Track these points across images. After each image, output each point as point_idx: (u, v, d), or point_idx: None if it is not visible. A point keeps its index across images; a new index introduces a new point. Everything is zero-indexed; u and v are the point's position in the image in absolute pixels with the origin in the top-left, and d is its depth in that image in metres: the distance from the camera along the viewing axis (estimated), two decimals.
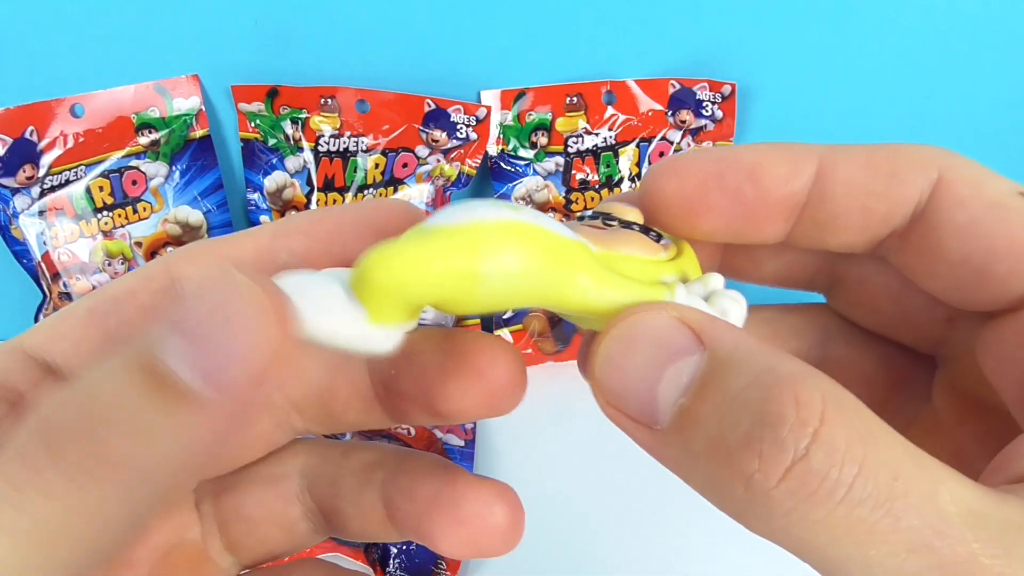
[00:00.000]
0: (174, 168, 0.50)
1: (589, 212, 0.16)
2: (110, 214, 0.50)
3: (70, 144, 0.48)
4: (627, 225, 0.16)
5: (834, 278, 0.18)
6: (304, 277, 0.14)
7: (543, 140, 0.54)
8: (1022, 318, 0.15)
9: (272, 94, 0.50)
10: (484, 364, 0.16)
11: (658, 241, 0.16)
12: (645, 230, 0.16)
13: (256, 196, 0.52)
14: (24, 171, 0.48)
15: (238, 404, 0.12)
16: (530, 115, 0.53)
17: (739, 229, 0.16)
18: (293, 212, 0.52)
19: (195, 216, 0.51)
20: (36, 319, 0.51)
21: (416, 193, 0.53)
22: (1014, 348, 0.15)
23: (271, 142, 0.51)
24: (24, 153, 0.48)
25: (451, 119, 0.52)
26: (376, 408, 0.17)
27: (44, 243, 0.49)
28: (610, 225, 0.16)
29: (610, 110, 0.53)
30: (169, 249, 0.51)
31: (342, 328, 0.13)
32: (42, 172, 0.48)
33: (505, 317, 0.56)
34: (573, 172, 0.54)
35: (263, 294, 0.12)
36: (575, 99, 0.53)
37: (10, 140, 0.47)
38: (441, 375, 0.16)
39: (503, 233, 0.13)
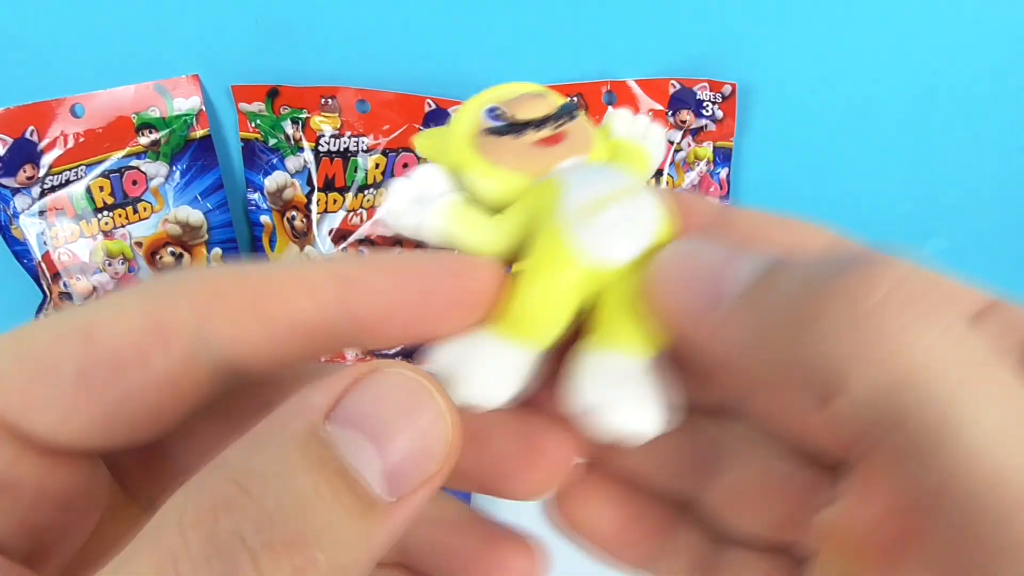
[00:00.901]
0: (174, 168, 0.50)
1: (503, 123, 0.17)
2: (110, 214, 0.49)
3: (70, 144, 0.48)
4: (518, 128, 0.17)
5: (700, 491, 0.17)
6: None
7: None
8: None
9: (272, 94, 0.50)
10: (551, 445, 0.15)
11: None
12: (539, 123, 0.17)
13: (256, 196, 0.52)
14: (24, 171, 0.48)
15: (415, 508, 0.11)
16: None
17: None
18: (293, 212, 0.52)
19: (195, 216, 0.51)
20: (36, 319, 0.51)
21: None
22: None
23: (271, 142, 0.51)
24: (24, 153, 0.48)
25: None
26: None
27: (44, 243, 0.49)
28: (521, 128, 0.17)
29: (610, 110, 0.53)
30: (170, 249, 0.51)
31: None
32: (42, 172, 0.48)
33: None
34: None
35: (440, 394, 0.11)
36: (575, 99, 0.53)
37: (10, 140, 0.47)
38: (511, 460, 0.16)
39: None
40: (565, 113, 0.17)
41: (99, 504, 0.14)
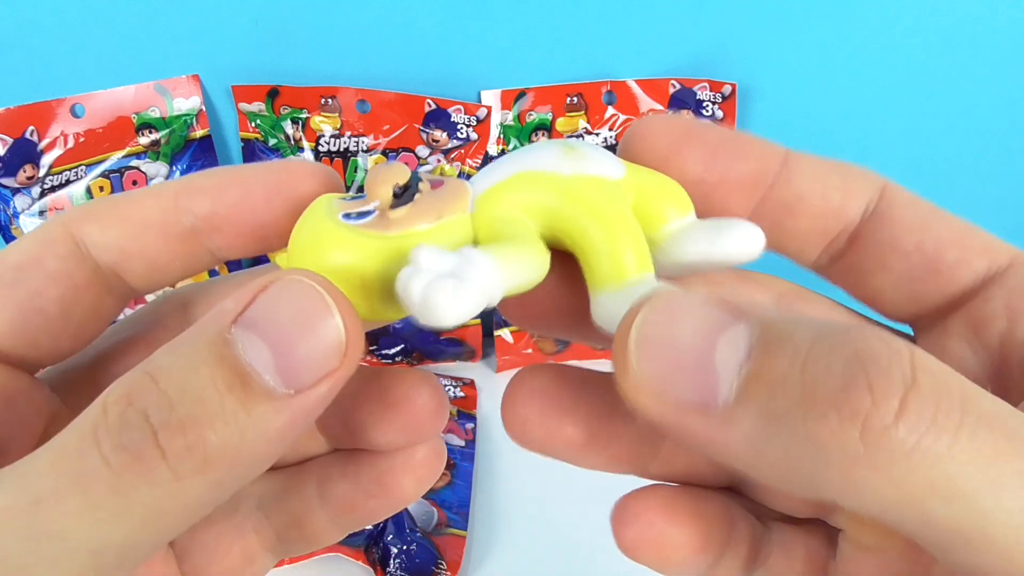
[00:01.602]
0: (174, 168, 0.50)
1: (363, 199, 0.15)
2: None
3: (70, 144, 0.48)
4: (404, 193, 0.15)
5: (737, 478, 0.19)
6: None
7: (543, 140, 0.54)
8: (968, 313, 0.16)
9: (272, 94, 0.50)
10: (403, 398, 0.17)
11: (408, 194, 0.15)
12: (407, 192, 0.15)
13: None
14: (24, 171, 0.48)
15: (317, 399, 0.13)
16: (530, 115, 0.53)
17: (709, 192, 0.17)
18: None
19: None
20: None
21: None
22: (964, 345, 0.16)
23: (272, 142, 0.51)
24: (24, 153, 0.48)
25: (451, 119, 0.52)
26: (319, 438, 0.19)
27: None
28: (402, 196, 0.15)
29: (610, 110, 0.53)
30: None
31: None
32: (42, 172, 0.48)
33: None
34: None
35: (338, 299, 0.13)
36: (575, 99, 0.53)
37: (10, 140, 0.47)
38: (368, 410, 0.17)
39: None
40: (415, 171, 0.15)
41: (42, 414, 0.16)
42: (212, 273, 0.49)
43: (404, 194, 0.14)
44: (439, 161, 0.53)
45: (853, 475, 0.11)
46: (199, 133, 0.50)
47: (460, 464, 0.48)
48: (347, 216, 0.15)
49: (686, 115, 0.17)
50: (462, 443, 0.50)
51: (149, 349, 0.17)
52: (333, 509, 0.18)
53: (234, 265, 0.49)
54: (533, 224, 0.15)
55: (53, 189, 0.48)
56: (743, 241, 0.15)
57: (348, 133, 0.51)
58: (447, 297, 0.12)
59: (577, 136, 0.54)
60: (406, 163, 0.52)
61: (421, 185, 0.15)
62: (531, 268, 0.14)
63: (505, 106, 0.53)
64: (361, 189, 0.16)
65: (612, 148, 0.54)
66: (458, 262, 0.13)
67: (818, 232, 0.17)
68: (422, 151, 0.53)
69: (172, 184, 0.16)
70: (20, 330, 0.15)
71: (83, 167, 0.49)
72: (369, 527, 0.42)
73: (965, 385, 0.11)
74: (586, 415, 0.17)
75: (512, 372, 0.65)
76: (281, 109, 0.50)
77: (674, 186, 0.16)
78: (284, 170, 0.16)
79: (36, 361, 0.16)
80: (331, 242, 0.14)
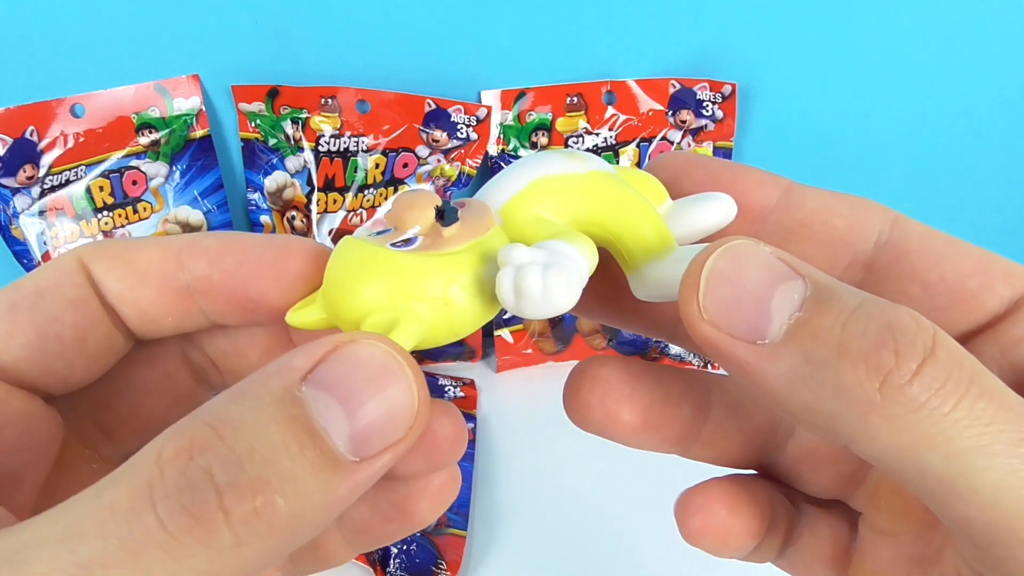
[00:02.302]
0: (174, 168, 0.50)
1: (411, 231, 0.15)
2: (110, 214, 0.50)
3: (70, 144, 0.48)
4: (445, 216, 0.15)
5: (771, 450, 0.20)
6: None
7: (543, 140, 0.54)
8: (996, 335, 0.16)
9: (272, 94, 0.50)
10: (425, 430, 0.17)
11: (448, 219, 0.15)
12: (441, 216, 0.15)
13: (256, 196, 0.52)
14: (24, 171, 0.48)
15: (377, 471, 0.13)
16: (530, 115, 0.53)
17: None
18: (293, 212, 0.52)
19: (195, 216, 0.51)
20: None
21: None
22: (992, 367, 0.16)
23: (271, 142, 0.51)
24: (24, 153, 0.48)
25: (451, 119, 0.52)
26: None
27: (44, 243, 0.49)
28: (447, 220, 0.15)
29: (610, 110, 0.53)
30: None
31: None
32: (42, 172, 0.48)
33: (505, 317, 0.56)
34: None
35: (412, 370, 0.13)
36: (575, 99, 0.53)
37: (10, 140, 0.47)
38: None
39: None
40: (444, 208, 0.16)
41: (56, 440, 0.16)
42: None
43: (448, 214, 0.15)
44: (439, 161, 0.53)
45: (868, 419, 0.13)
46: (199, 133, 0.50)
47: (460, 464, 0.48)
48: (394, 246, 0.14)
49: (699, 154, 0.19)
50: None
51: (151, 367, 0.18)
52: (349, 531, 0.18)
53: None
54: (567, 220, 0.16)
55: (53, 189, 0.48)
56: (719, 210, 0.16)
57: (348, 133, 0.51)
58: (563, 283, 0.14)
59: (577, 136, 0.54)
60: (406, 164, 0.52)
61: (454, 203, 0.15)
62: (594, 253, 0.15)
63: (505, 106, 0.53)
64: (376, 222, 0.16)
65: (612, 148, 0.54)
66: (549, 253, 0.14)
67: (825, 259, 0.17)
68: (422, 151, 0.53)
69: (180, 239, 0.16)
70: (37, 355, 0.15)
71: (83, 167, 0.49)
72: None
73: (976, 365, 0.13)
74: (641, 402, 0.18)
75: (512, 372, 0.65)
76: (281, 109, 0.50)
77: (650, 179, 0.17)
78: (281, 247, 0.16)
79: (49, 388, 0.16)
80: (400, 267, 0.14)
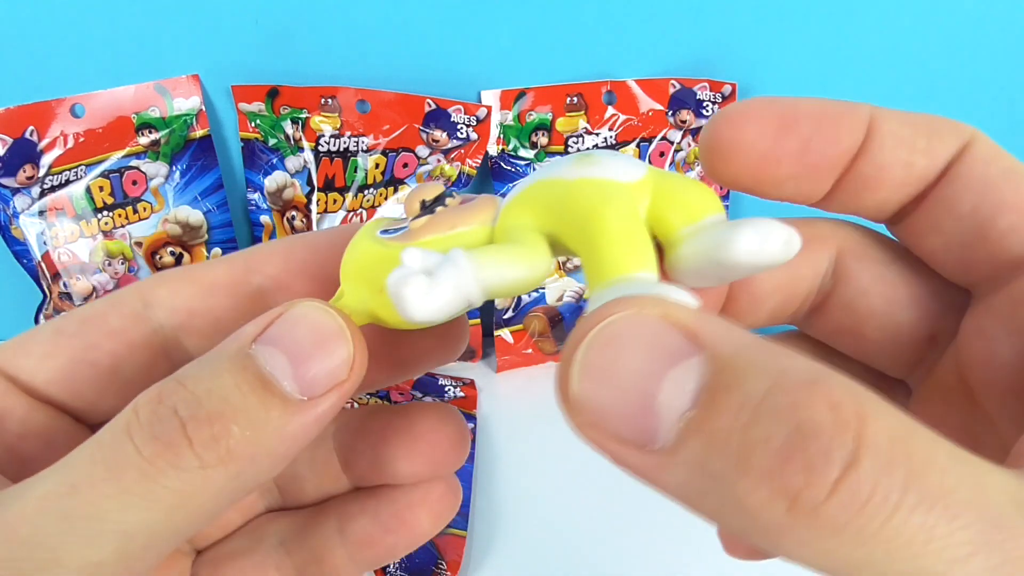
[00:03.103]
0: (174, 168, 0.50)
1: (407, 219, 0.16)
2: (110, 214, 0.50)
3: (70, 144, 0.48)
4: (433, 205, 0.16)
5: (816, 305, 0.18)
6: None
7: (543, 140, 0.54)
8: (1011, 291, 0.15)
9: (272, 94, 0.50)
10: (428, 432, 0.18)
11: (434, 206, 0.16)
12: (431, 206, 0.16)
13: (256, 196, 0.52)
14: (24, 171, 0.48)
15: (324, 411, 0.14)
16: (530, 115, 0.53)
17: (798, 183, 0.16)
18: (293, 212, 0.52)
19: (195, 216, 0.51)
20: (36, 319, 0.51)
21: None
22: (1001, 327, 0.15)
23: (271, 142, 0.51)
24: (24, 153, 0.48)
25: (451, 119, 0.52)
26: (342, 478, 0.20)
27: (44, 243, 0.49)
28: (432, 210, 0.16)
29: (610, 110, 0.53)
30: (170, 249, 0.51)
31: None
32: (42, 172, 0.48)
33: (505, 317, 0.56)
34: None
35: (348, 322, 0.15)
36: (575, 99, 0.53)
37: (10, 140, 0.47)
38: (388, 447, 0.18)
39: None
40: (444, 192, 0.16)
41: None
42: None
43: (429, 207, 0.16)
44: (439, 161, 0.53)
45: (781, 543, 0.11)
46: (199, 133, 0.50)
47: None
48: (384, 232, 0.16)
49: (762, 100, 0.17)
50: None
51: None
52: (352, 545, 0.19)
53: None
54: (542, 227, 0.15)
55: (53, 189, 0.48)
56: (753, 243, 0.13)
57: (348, 133, 0.51)
58: (417, 293, 0.13)
59: (577, 136, 0.54)
60: (406, 164, 0.52)
61: (449, 200, 0.16)
62: (520, 268, 0.15)
63: (505, 106, 0.53)
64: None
65: (612, 148, 0.54)
66: (439, 262, 0.14)
67: (897, 200, 0.16)
68: (422, 151, 0.53)
69: (242, 253, 0.18)
70: (69, 379, 0.17)
71: (83, 167, 0.49)
72: None
73: (916, 457, 0.10)
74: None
75: (512, 372, 0.64)
76: (281, 109, 0.50)
77: (699, 188, 0.15)
78: (342, 229, 0.18)
79: (78, 413, 0.17)
80: (360, 254, 0.16)
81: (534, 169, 0.53)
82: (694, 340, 0.11)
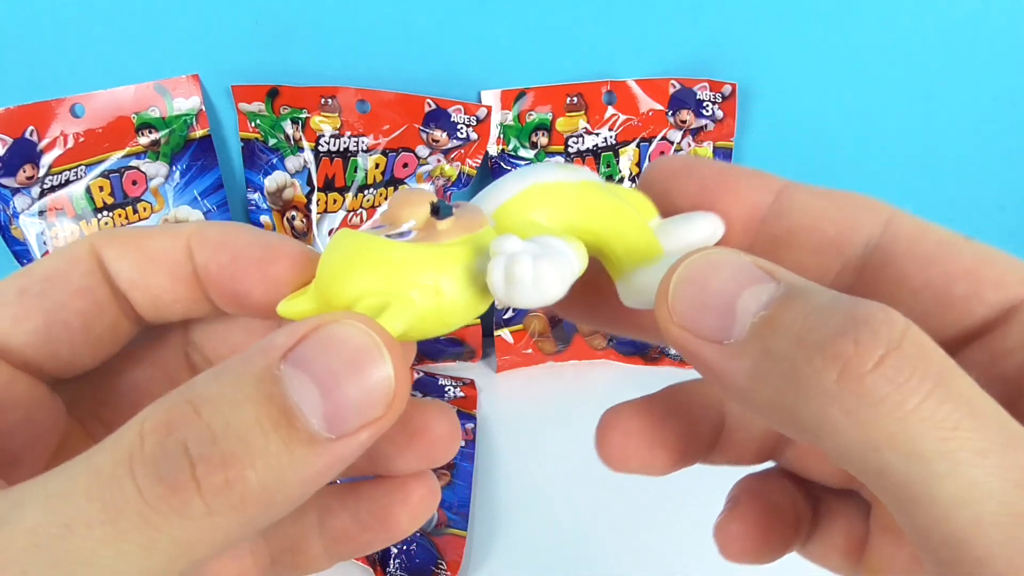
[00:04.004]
0: (174, 168, 0.50)
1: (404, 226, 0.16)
2: (110, 214, 0.50)
3: (70, 144, 0.48)
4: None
5: (782, 445, 0.20)
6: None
7: (543, 140, 0.54)
8: (986, 345, 0.16)
9: (272, 94, 0.50)
10: (424, 428, 0.18)
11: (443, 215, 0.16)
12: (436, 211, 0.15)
13: (256, 196, 0.52)
14: (24, 171, 0.48)
15: (356, 447, 0.13)
16: (530, 115, 0.53)
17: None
18: (293, 212, 0.52)
19: (195, 216, 0.51)
20: None
21: None
22: (980, 378, 0.16)
23: (271, 142, 0.51)
24: (24, 153, 0.48)
25: (451, 119, 0.52)
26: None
27: (44, 243, 0.49)
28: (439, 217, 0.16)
29: (610, 110, 0.53)
30: None
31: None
32: (42, 172, 0.48)
33: (505, 317, 0.56)
34: None
35: (388, 347, 0.13)
36: (575, 99, 0.53)
37: (10, 140, 0.47)
38: (390, 438, 0.17)
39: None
40: (437, 206, 0.16)
41: (58, 427, 0.17)
42: None
43: (443, 210, 0.15)
44: (439, 161, 0.53)
45: (827, 413, 0.12)
46: (199, 133, 0.50)
47: (460, 464, 0.48)
48: (389, 237, 0.15)
49: (695, 157, 0.19)
50: (462, 443, 0.50)
51: (153, 366, 0.18)
52: (329, 538, 0.19)
53: None
54: (555, 227, 0.16)
55: (53, 189, 0.48)
56: (705, 228, 0.16)
57: (348, 133, 0.51)
58: (554, 270, 0.14)
59: (577, 136, 0.54)
60: (406, 163, 0.52)
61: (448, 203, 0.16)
62: (584, 254, 0.15)
63: (505, 106, 0.53)
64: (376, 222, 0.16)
65: (612, 148, 0.54)
66: (541, 246, 0.14)
67: (817, 267, 0.17)
68: (422, 151, 0.53)
69: (189, 226, 0.17)
70: (44, 340, 0.16)
71: (83, 167, 0.49)
72: None
73: (949, 365, 0.12)
74: (669, 442, 0.19)
75: (512, 372, 0.64)
76: (281, 109, 0.50)
77: (639, 195, 0.17)
78: (270, 248, 0.16)
79: (54, 372, 0.17)
80: (395, 254, 0.14)
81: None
82: (772, 273, 0.14)
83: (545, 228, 0.16)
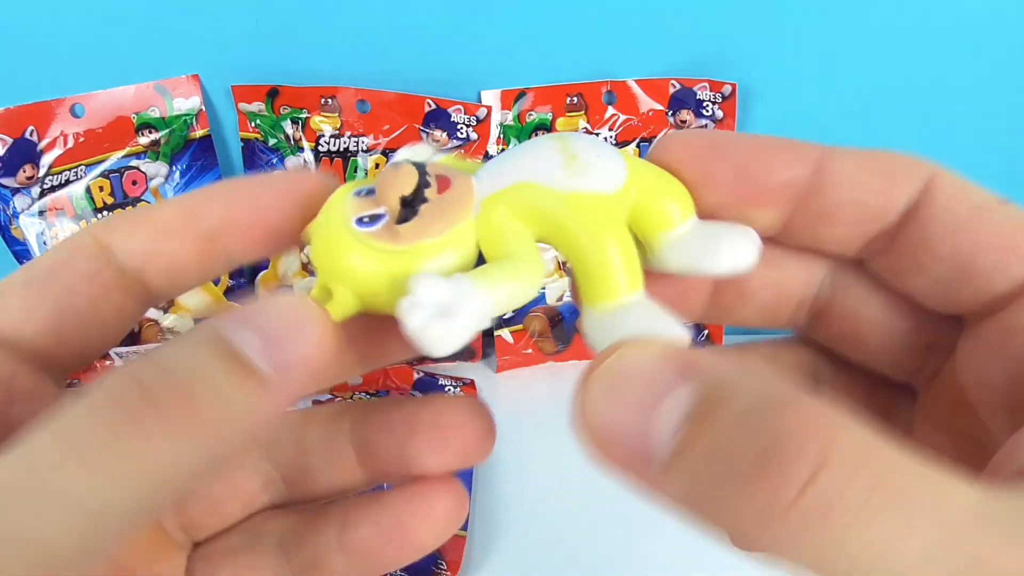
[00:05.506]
0: (174, 168, 0.50)
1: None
2: (110, 214, 0.50)
3: (70, 144, 0.48)
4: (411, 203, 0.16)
5: (816, 311, 0.19)
6: None
7: None
8: (1000, 320, 0.15)
9: (272, 94, 0.50)
10: (458, 425, 0.18)
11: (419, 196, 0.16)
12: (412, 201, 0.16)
13: None
14: (24, 171, 0.48)
15: (293, 391, 0.14)
16: (530, 115, 0.53)
17: (738, 207, 0.16)
18: None
19: None
20: None
21: None
22: (992, 353, 0.16)
23: (271, 142, 0.51)
24: (24, 153, 0.48)
25: (452, 119, 0.52)
26: (357, 471, 0.19)
27: (44, 243, 0.49)
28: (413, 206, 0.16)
29: (610, 110, 0.53)
30: None
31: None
32: (42, 172, 0.48)
33: (505, 317, 0.56)
34: None
35: (324, 310, 0.14)
36: (575, 99, 0.53)
37: (10, 140, 0.47)
38: (416, 439, 0.18)
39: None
40: (422, 164, 0.16)
41: None
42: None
43: (411, 204, 0.15)
44: None
45: (767, 543, 0.12)
46: (199, 133, 0.50)
47: None
48: (360, 222, 0.15)
49: (707, 130, 0.18)
50: None
51: None
52: (351, 552, 0.19)
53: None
54: (531, 233, 0.16)
55: (53, 189, 0.48)
56: (735, 257, 0.16)
57: (348, 133, 0.51)
58: (439, 335, 0.14)
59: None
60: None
61: (428, 192, 0.15)
62: (525, 288, 0.15)
63: (505, 106, 0.53)
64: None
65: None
66: (453, 294, 0.14)
67: (855, 237, 0.16)
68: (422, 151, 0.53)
69: (191, 194, 0.18)
70: (54, 328, 0.16)
71: (83, 167, 0.49)
72: None
73: (881, 468, 0.11)
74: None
75: (512, 372, 0.64)
76: (281, 109, 0.50)
77: (674, 187, 0.16)
78: (290, 175, 0.18)
79: (65, 361, 0.17)
80: (345, 253, 0.15)
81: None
82: (685, 373, 0.13)
83: (510, 243, 0.15)
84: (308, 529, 0.19)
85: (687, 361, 0.13)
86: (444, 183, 0.16)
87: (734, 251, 0.16)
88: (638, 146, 0.54)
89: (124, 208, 0.50)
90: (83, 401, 0.13)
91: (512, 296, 0.15)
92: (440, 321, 0.14)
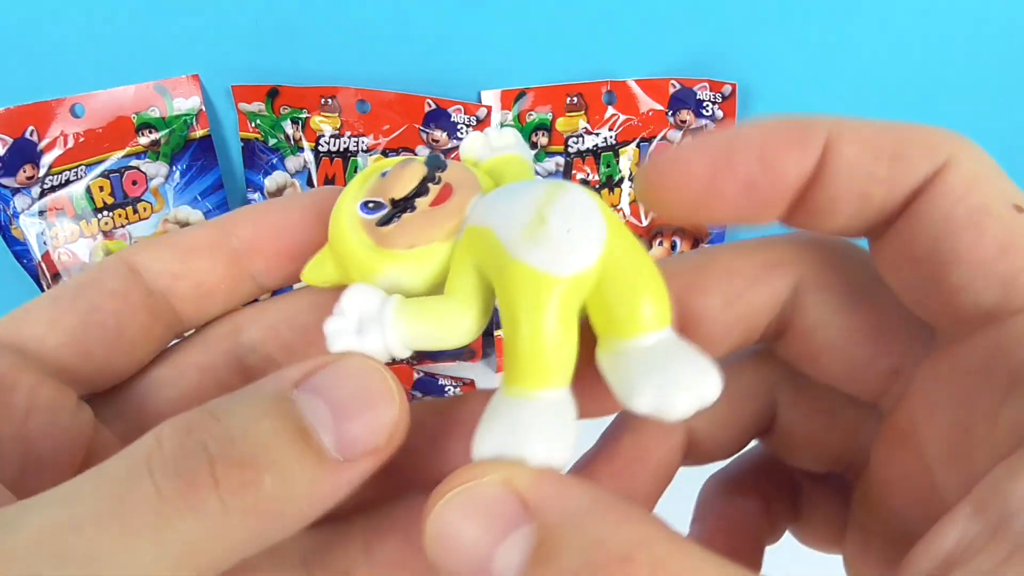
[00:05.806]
0: (174, 168, 0.50)
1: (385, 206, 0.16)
2: (110, 214, 0.50)
3: (70, 144, 0.48)
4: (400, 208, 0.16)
5: (778, 330, 0.18)
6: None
7: (543, 140, 0.54)
8: (952, 356, 0.14)
9: (272, 94, 0.50)
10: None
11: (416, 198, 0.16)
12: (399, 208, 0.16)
13: (256, 196, 0.52)
14: (24, 171, 0.48)
15: (359, 474, 0.14)
16: (530, 115, 0.53)
17: (745, 215, 0.15)
18: None
19: (195, 216, 0.51)
20: None
21: None
22: (941, 389, 0.14)
23: (271, 142, 0.51)
24: (24, 153, 0.48)
25: (451, 119, 0.52)
26: (383, 480, 0.18)
27: (44, 243, 0.49)
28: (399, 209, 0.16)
29: (610, 110, 0.53)
30: None
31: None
32: (42, 172, 0.48)
33: None
34: (574, 172, 0.54)
35: (396, 385, 0.14)
36: (575, 99, 0.53)
37: (10, 140, 0.47)
38: (455, 439, 0.17)
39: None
40: (435, 167, 0.16)
41: (84, 436, 0.17)
42: None
43: (398, 208, 0.15)
44: None
45: None
46: (199, 133, 0.50)
47: None
48: (364, 205, 0.16)
49: (703, 139, 0.16)
50: None
51: (202, 373, 0.18)
52: (378, 567, 0.18)
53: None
54: (486, 280, 0.15)
55: (53, 189, 0.48)
56: (647, 407, 0.14)
57: (348, 133, 0.51)
58: (345, 348, 0.14)
59: (577, 136, 0.54)
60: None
61: (419, 201, 0.15)
62: (444, 335, 0.15)
63: (505, 106, 0.53)
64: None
65: (612, 148, 0.54)
66: (373, 314, 0.14)
67: (855, 227, 0.15)
68: (422, 151, 0.53)
69: (220, 217, 0.18)
70: (79, 343, 0.16)
71: (83, 167, 0.49)
72: None
73: None
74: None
75: None
76: (281, 109, 0.50)
77: (647, 294, 0.14)
78: (316, 194, 0.18)
79: (89, 376, 0.17)
80: (341, 228, 0.16)
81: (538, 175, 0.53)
82: (526, 509, 0.12)
83: (462, 279, 0.15)
84: (332, 544, 0.18)
85: (530, 494, 0.13)
86: (445, 194, 0.15)
87: (689, 400, 0.13)
88: (638, 146, 0.54)
89: (124, 208, 0.50)
90: (140, 456, 0.12)
91: (429, 338, 0.15)
92: (351, 337, 0.14)
